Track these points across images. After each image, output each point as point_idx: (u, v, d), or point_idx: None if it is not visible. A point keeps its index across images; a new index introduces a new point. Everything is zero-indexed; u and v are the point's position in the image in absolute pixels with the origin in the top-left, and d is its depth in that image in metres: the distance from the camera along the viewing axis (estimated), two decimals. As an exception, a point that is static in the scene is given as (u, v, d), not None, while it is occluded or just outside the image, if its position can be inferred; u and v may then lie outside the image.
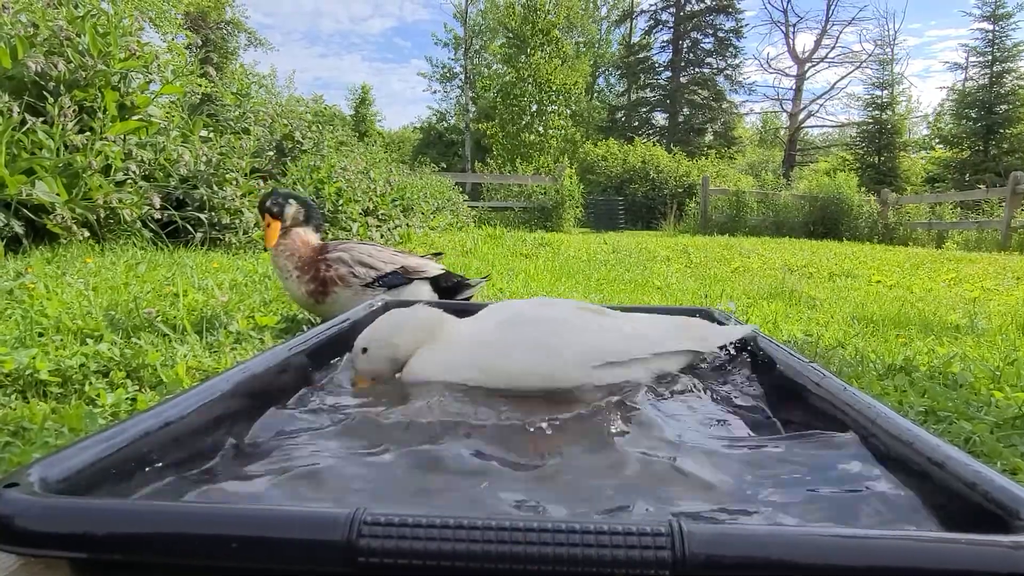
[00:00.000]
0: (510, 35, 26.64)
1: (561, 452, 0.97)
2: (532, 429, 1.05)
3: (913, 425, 0.83)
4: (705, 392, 1.30)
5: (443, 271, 2.40)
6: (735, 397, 1.28)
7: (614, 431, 1.06)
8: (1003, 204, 10.81)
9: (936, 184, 20.89)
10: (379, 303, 1.75)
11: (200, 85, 6.06)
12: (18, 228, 3.51)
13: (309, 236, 2.31)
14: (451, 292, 2.39)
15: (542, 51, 25.80)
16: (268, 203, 2.25)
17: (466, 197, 11.65)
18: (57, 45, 4.24)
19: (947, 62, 36.40)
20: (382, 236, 6.01)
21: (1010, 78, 20.71)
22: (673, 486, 0.84)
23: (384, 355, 1.29)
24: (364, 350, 1.29)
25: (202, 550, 0.54)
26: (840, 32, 30.37)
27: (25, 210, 3.60)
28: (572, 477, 0.86)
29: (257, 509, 0.58)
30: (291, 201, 2.27)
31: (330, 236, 5.18)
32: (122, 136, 4.29)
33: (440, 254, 2.52)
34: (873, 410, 0.91)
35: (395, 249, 2.45)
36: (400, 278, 2.29)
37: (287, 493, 0.78)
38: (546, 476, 0.85)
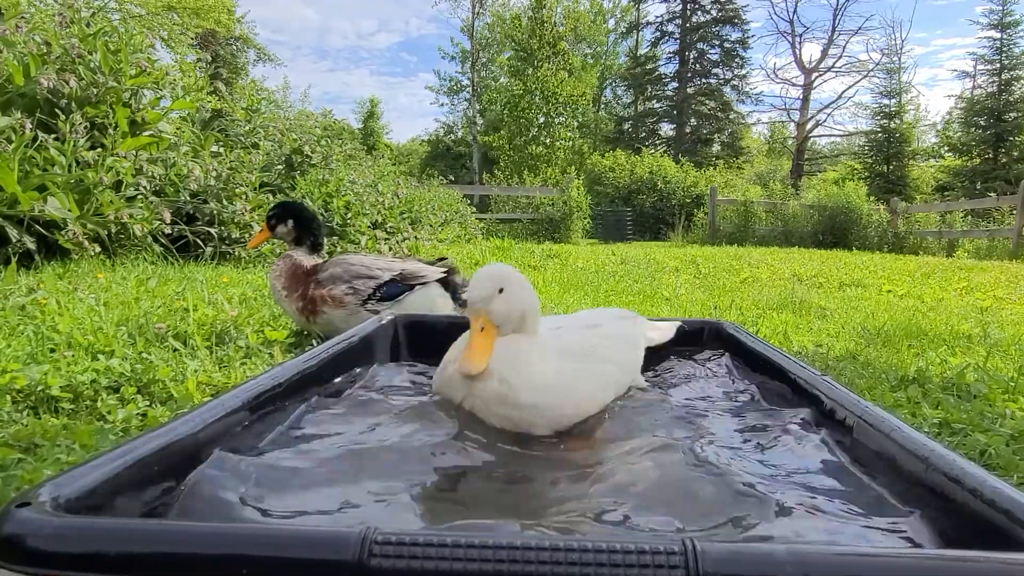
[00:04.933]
0: (517, 48, 26.79)
1: (579, 468, 0.96)
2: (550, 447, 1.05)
3: (928, 439, 0.82)
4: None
5: (444, 274, 2.35)
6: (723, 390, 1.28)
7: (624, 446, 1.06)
8: (1014, 212, 10.74)
9: (946, 192, 20.78)
10: (388, 316, 1.74)
11: (210, 101, 6.11)
12: (30, 244, 3.53)
13: (301, 258, 2.34)
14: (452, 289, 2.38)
15: (549, 63, 25.91)
16: (270, 213, 2.39)
17: (474, 209, 11.67)
18: (69, 63, 4.29)
19: (954, 70, 36.30)
20: (390, 249, 6.02)
21: (1019, 85, 20.63)
22: (684, 501, 0.84)
23: (518, 304, 1.13)
24: (501, 290, 1.11)
25: (213, 570, 0.53)
26: (847, 42, 30.42)
27: (37, 226, 3.63)
28: (588, 492, 0.85)
29: (267, 528, 0.58)
30: (289, 221, 2.36)
31: (339, 250, 5.19)
32: (133, 152, 4.32)
33: (444, 259, 2.48)
34: (887, 424, 0.90)
35: (393, 256, 2.44)
36: (399, 287, 2.26)
37: (299, 511, 0.78)
38: (565, 489, 0.85)
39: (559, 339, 1.28)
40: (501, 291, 1.12)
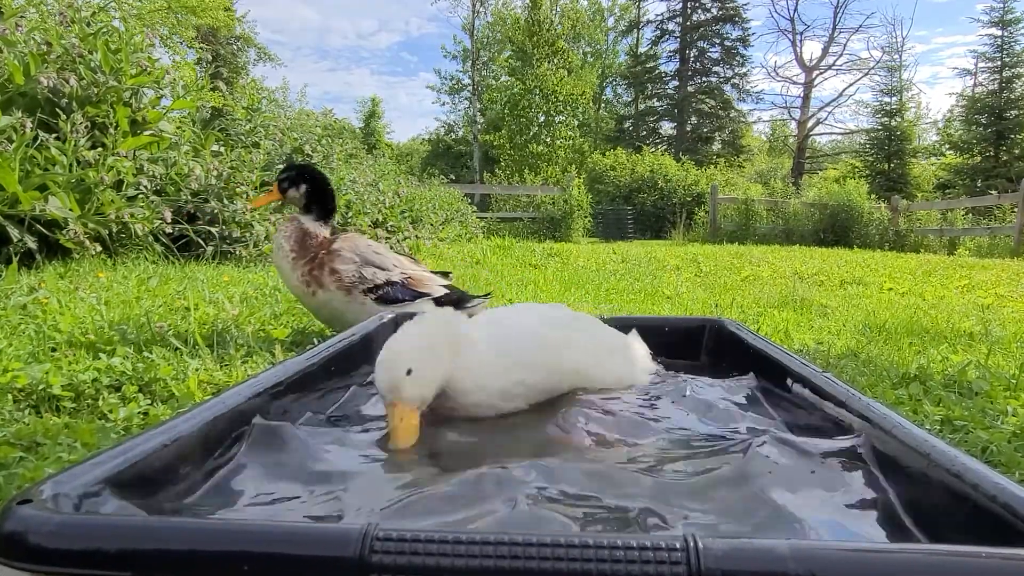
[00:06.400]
0: (515, 48, 26.83)
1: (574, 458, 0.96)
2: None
3: (929, 435, 0.81)
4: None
5: (446, 291, 2.25)
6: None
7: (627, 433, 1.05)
8: (1015, 209, 10.73)
9: (947, 190, 20.76)
10: (388, 316, 1.74)
11: (211, 99, 6.11)
12: (31, 243, 3.54)
13: (311, 226, 2.26)
14: (452, 307, 2.30)
15: (549, 62, 25.91)
16: (282, 175, 2.30)
17: (475, 208, 11.67)
18: (69, 62, 4.29)
19: (955, 68, 36.34)
20: (391, 248, 6.02)
21: (1020, 83, 20.59)
22: (684, 493, 0.83)
23: (431, 376, 1.08)
24: (409, 371, 1.04)
25: (214, 566, 0.53)
26: (847, 40, 30.42)
27: (38, 225, 3.63)
28: (589, 488, 0.85)
29: (268, 525, 0.58)
30: (301, 186, 2.27)
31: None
32: (134, 151, 4.33)
33: (449, 273, 2.42)
34: (889, 419, 0.90)
35: (400, 255, 2.36)
36: (402, 291, 2.18)
37: (300, 508, 0.78)
38: (564, 484, 0.85)
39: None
40: (409, 372, 1.04)
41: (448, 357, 1.12)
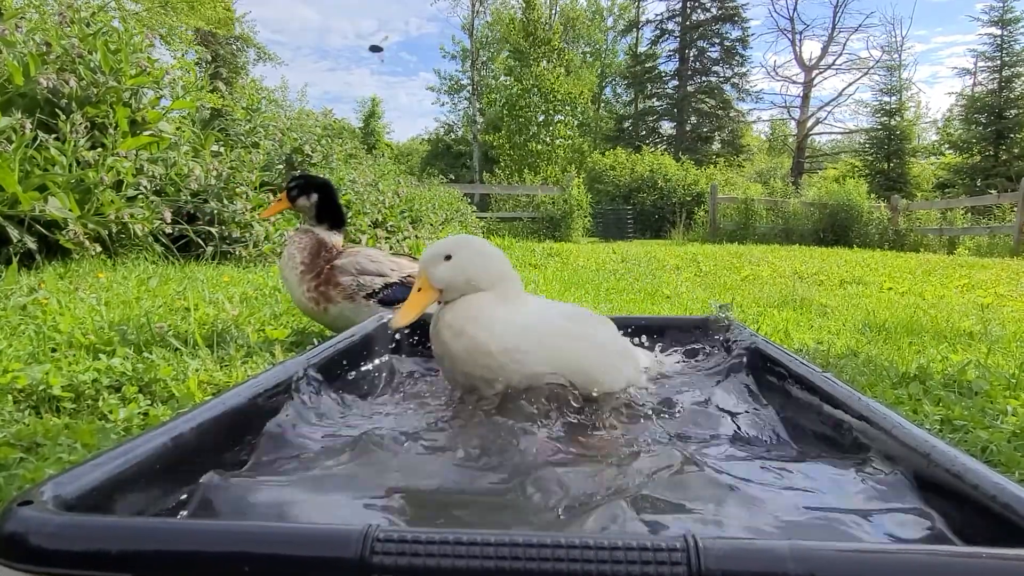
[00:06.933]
0: (512, 49, 26.88)
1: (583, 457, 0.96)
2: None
3: (930, 436, 0.82)
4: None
5: None
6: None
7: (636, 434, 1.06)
8: (1015, 209, 10.74)
9: (947, 189, 20.76)
10: (388, 316, 1.74)
11: (210, 100, 6.11)
12: (31, 244, 3.54)
13: (326, 236, 2.26)
14: None
15: (546, 61, 25.93)
16: (290, 184, 2.29)
17: (474, 208, 11.67)
18: (69, 62, 4.29)
19: (955, 67, 36.29)
20: (391, 248, 6.03)
21: (1020, 82, 20.57)
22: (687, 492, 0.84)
23: (467, 274, 1.20)
24: (447, 257, 1.20)
25: (215, 567, 0.53)
26: (847, 39, 30.40)
27: (38, 226, 3.63)
28: (590, 488, 0.85)
29: (269, 526, 0.58)
30: (312, 195, 2.26)
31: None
32: (133, 151, 4.32)
33: None
34: (889, 420, 0.90)
35: (398, 254, 2.36)
36: (401, 292, 2.18)
37: (300, 509, 0.78)
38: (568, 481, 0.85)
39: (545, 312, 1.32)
40: (448, 258, 1.21)
41: (490, 283, 1.23)
